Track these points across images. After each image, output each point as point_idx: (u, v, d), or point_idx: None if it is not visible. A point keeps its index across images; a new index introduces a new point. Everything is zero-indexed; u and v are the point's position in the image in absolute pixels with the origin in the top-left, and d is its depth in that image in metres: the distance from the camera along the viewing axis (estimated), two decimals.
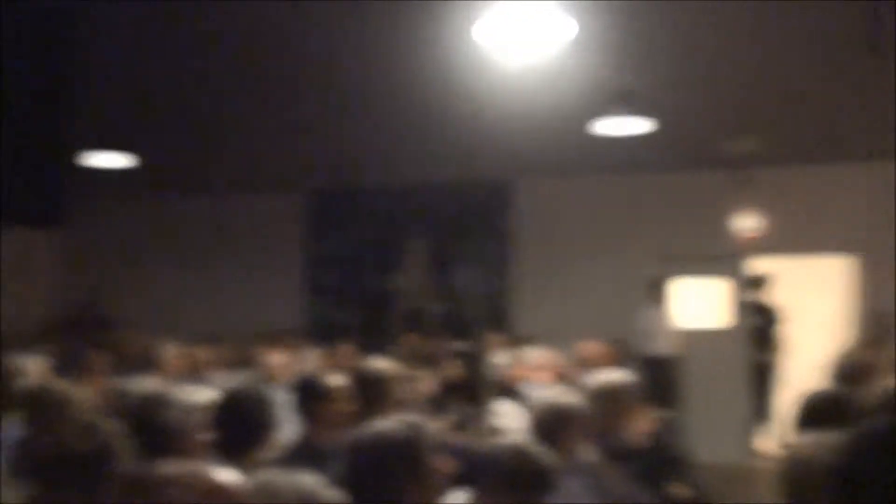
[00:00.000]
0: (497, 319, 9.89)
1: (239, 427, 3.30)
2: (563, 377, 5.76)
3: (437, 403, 5.63)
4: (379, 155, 10.14)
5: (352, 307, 10.60)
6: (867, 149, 8.98)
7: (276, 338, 7.85)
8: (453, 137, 9.55)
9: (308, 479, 2.02)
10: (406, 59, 9.41)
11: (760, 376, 9.47)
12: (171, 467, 1.75)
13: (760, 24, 9.26)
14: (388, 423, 2.51)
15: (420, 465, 2.42)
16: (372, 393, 4.10)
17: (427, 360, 6.82)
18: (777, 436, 8.39)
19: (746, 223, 9.40)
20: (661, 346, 8.94)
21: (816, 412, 2.98)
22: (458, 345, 8.37)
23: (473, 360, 7.55)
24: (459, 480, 2.85)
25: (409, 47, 9.35)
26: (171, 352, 6.30)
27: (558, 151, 9.37)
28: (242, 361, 6.99)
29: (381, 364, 4.35)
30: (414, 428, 2.48)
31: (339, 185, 10.81)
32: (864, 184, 9.05)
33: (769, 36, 9.25)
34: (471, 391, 6.63)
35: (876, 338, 8.53)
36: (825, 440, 2.25)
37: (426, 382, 5.61)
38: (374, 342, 7.34)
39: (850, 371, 4.24)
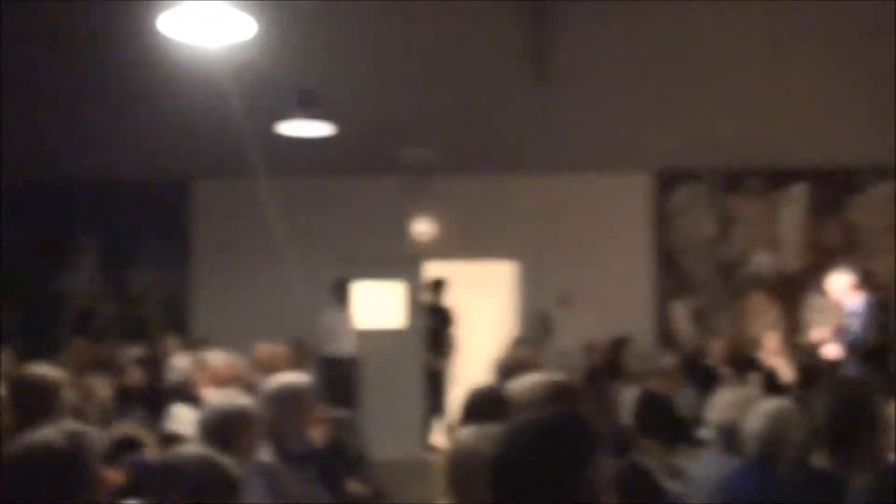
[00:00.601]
0: (175, 322, 9.59)
1: None
2: (240, 380, 5.70)
3: (114, 410, 5.40)
4: (50, 149, 9.46)
5: (15, 309, 9.79)
6: (534, 162, 9.73)
7: None
8: (132, 134, 9.13)
9: None
10: (86, 52, 8.86)
11: (435, 375, 9.92)
12: None
13: (440, 40, 9.74)
14: (46, 433, 2.36)
15: (82, 476, 2.30)
16: (34, 401, 3.84)
17: (102, 365, 6.50)
18: (448, 430, 8.83)
19: (422, 228, 9.84)
20: (342, 347, 9.11)
21: (478, 406, 3.18)
22: (135, 349, 8.03)
23: (151, 365, 7.29)
24: (136, 491, 2.75)
25: (90, 40, 8.81)
26: None
27: (240, 151, 9.24)
28: None
29: (44, 370, 4.08)
30: (76, 437, 2.35)
31: (5, 180, 9.95)
32: (527, 193, 9.79)
33: (448, 51, 9.74)
34: (149, 396, 6.41)
35: (535, 336, 9.28)
36: (484, 432, 2.42)
37: (101, 388, 5.34)
38: (40, 347, 6.86)
39: (510, 367, 4.57)
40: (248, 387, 5.00)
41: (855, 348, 7.42)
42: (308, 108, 7.48)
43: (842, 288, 7.69)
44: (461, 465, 2.39)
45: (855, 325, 7.56)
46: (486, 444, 2.28)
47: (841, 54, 9.66)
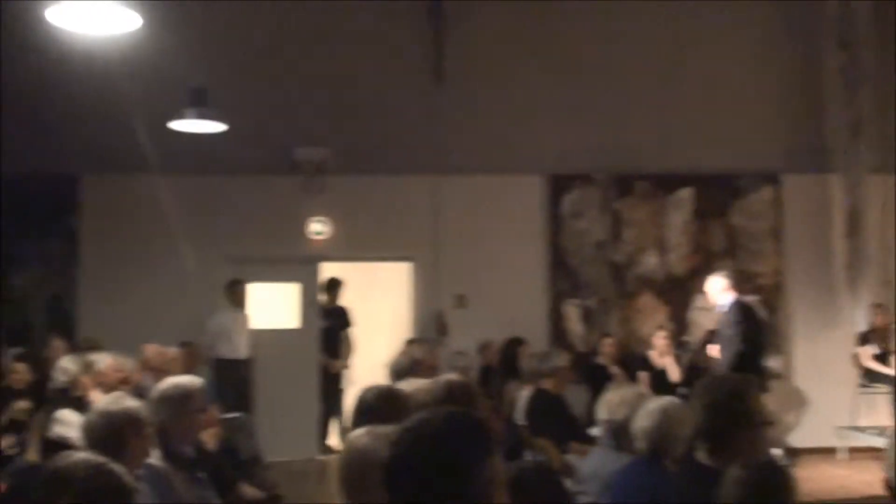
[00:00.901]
0: (61, 323, 9.27)
1: None
2: (129, 383, 5.57)
3: None
4: None
5: None
6: (430, 163, 9.77)
7: None
8: (17, 128, 8.79)
9: None
10: None
11: (331, 376, 9.85)
12: None
13: (337, 40, 9.70)
14: None
15: None
16: None
17: None
18: (344, 432, 8.80)
19: (318, 228, 9.77)
20: (236, 349, 8.98)
21: (372, 407, 3.18)
22: (19, 350, 7.77)
23: (36, 367, 7.07)
24: (18, 499, 2.65)
25: None
26: None
27: (130, 148, 9.01)
28: None
29: None
30: None
31: None
32: (423, 194, 9.82)
33: (345, 52, 9.72)
34: (34, 399, 6.21)
35: (430, 337, 9.32)
36: (377, 433, 2.42)
37: None
38: None
39: (405, 367, 4.59)
40: (138, 390, 4.90)
41: (722, 348, 7.71)
42: (199, 105, 7.36)
43: (715, 289, 7.96)
44: (354, 465, 2.38)
45: (723, 325, 7.86)
46: (379, 444, 2.29)
47: (728, 66, 10.03)
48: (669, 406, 3.68)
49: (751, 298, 9.86)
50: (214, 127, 7.74)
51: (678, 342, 9.69)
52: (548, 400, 6.22)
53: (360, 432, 2.45)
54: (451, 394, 3.34)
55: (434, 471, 1.69)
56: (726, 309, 7.78)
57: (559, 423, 6.10)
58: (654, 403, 3.73)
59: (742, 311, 7.74)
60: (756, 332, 7.81)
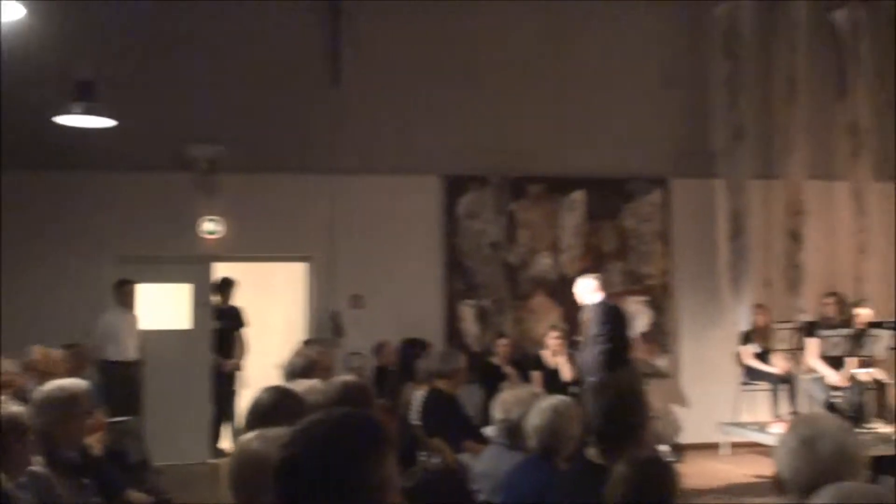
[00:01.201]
0: None
1: None
2: (12, 386, 5.36)
3: None
4: None
5: None
6: (326, 162, 9.72)
7: None
8: None
9: None
10: None
11: (224, 377, 9.69)
12: None
13: (233, 36, 9.56)
14: None
15: None
16: None
17: None
18: (236, 434, 8.67)
19: (211, 227, 9.60)
20: (125, 350, 8.75)
21: (267, 409, 3.14)
22: None
23: None
24: None
25: None
26: None
27: (17, 143, 8.70)
28: None
29: None
30: None
31: None
32: (319, 194, 9.76)
33: (241, 48, 9.58)
34: None
35: (326, 337, 9.27)
36: (266, 435, 2.40)
37: None
38: None
39: (301, 368, 4.55)
40: (20, 393, 4.73)
41: (588, 346, 7.94)
42: (87, 99, 7.15)
43: (584, 290, 8.16)
44: (243, 469, 2.35)
45: (590, 324, 8.09)
46: (270, 447, 2.27)
47: (619, 73, 10.29)
48: (560, 404, 3.76)
49: (636, 300, 10.16)
50: (102, 122, 7.52)
51: (571, 342, 9.88)
52: (442, 400, 6.25)
53: (250, 435, 2.43)
54: (347, 395, 3.34)
55: (325, 472, 1.68)
56: (593, 309, 7.97)
57: (453, 422, 6.15)
58: (545, 402, 3.80)
59: (607, 312, 7.95)
60: (621, 332, 8.03)
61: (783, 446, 2.30)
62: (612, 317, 7.93)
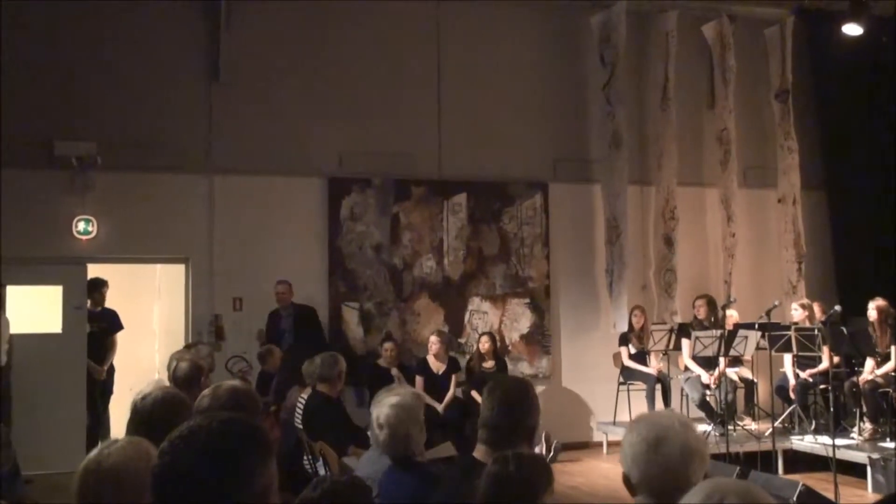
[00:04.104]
0: None
1: None
2: None
3: None
4: None
5: None
6: (206, 162, 9.53)
7: None
8: None
9: None
10: None
11: (98, 382, 9.34)
12: None
13: (109, 30, 9.31)
14: None
15: None
16: None
17: None
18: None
19: (85, 227, 9.26)
20: None
21: (150, 414, 3.06)
22: None
23: None
24: None
25: None
26: None
27: None
28: None
29: None
30: None
31: None
32: (198, 194, 9.56)
33: (117, 43, 9.33)
34: None
35: (207, 341, 9.07)
36: (115, 447, 2.35)
37: None
38: None
39: (186, 373, 4.45)
40: None
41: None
42: None
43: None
44: (88, 482, 2.29)
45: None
46: (116, 458, 2.24)
47: (501, 79, 10.47)
48: (404, 401, 3.75)
49: (518, 302, 10.32)
50: None
51: (454, 344, 9.97)
52: (324, 403, 6.22)
53: (105, 445, 2.36)
54: (235, 400, 3.28)
55: (203, 480, 1.66)
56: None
57: (337, 426, 6.13)
58: (388, 398, 3.79)
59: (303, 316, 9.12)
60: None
61: (629, 448, 2.31)
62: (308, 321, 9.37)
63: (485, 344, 9.55)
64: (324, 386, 6.25)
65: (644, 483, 2.27)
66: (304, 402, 6.48)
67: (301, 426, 6.36)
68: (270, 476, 1.73)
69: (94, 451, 2.31)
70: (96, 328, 9.32)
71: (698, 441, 2.33)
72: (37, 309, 9.19)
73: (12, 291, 8.81)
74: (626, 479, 2.32)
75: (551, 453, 8.96)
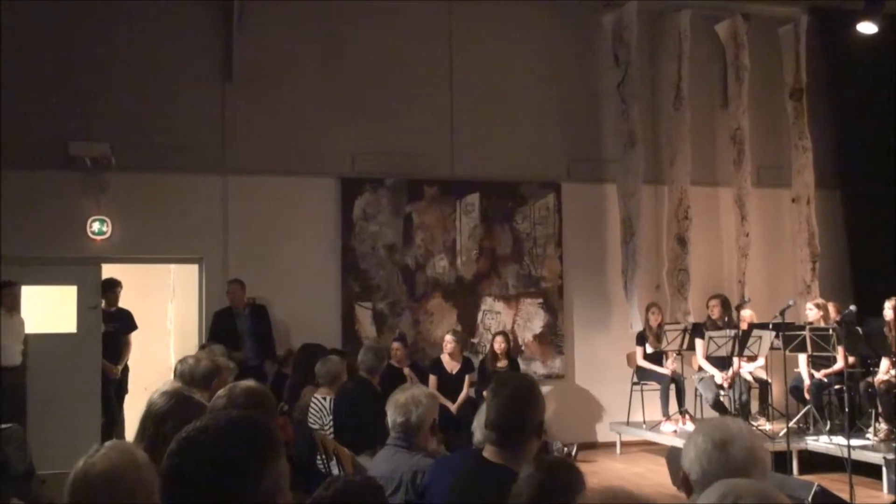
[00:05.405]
0: None
1: None
2: None
3: None
4: None
5: None
6: (219, 162, 9.56)
7: None
8: None
9: None
10: None
11: (114, 382, 9.38)
12: None
13: (123, 32, 9.35)
14: None
15: None
16: None
17: None
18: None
19: (99, 227, 9.31)
20: (7, 355, 8.39)
21: (165, 413, 3.06)
22: None
23: None
24: None
25: None
26: None
27: None
28: None
29: None
30: None
31: None
32: (212, 195, 9.59)
33: (131, 45, 9.37)
34: None
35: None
36: (118, 447, 2.36)
37: None
38: None
39: (203, 373, 4.46)
40: None
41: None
42: None
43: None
44: (77, 485, 2.30)
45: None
46: (112, 460, 2.25)
47: (515, 78, 10.46)
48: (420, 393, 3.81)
49: (530, 302, 10.30)
50: None
51: (467, 344, 9.97)
52: (343, 402, 6.23)
53: (88, 454, 2.37)
54: (251, 400, 3.28)
55: (209, 479, 1.66)
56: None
57: (353, 424, 6.13)
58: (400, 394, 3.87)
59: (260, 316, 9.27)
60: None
61: (694, 448, 2.35)
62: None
63: (500, 344, 9.53)
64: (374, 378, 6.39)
65: (703, 482, 2.28)
66: (318, 401, 6.49)
67: (316, 425, 6.35)
68: (277, 476, 1.73)
69: (80, 462, 2.32)
70: (111, 328, 9.37)
71: (764, 451, 2.39)
72: (52, 309, 9.24)
73: (27, 291, 8.86)
74: (685, 478, 2.35)
75: (569, 453, 8.98)
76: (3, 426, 6.45)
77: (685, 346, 9.73)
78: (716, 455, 2.31)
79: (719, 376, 9.19)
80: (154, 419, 3.09)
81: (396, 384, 6.00)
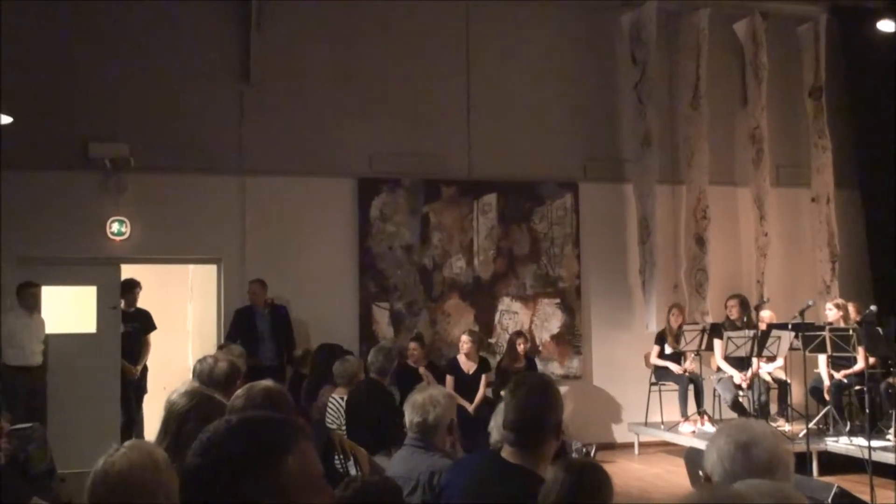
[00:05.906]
0: None
1: None
2: None
3: None
4: None
5: None
6: (238, 163, 9.59)
7: None
8: None
9: None
10: None
11: (133, 382, 9.43)
12: None
13: (139, 33, 9.39)
14: None
15: None
16: None
17: None
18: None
19: (119, 228, 9.36)
20: (28, 355, 8.45)
21: (186, 412, 3.08)
22: None
23: None
24: None
25: None
26: None
27: None
28: None
29: None
30: None
31: None
32: (230, 195, 9.63)
33: (148, 45, 9.42)
34: None
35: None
36: (135, 446, 2.39)
37: None
38: None
39: (223, 373, 4.47)
40: None
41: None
42: None
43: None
44: (97, 485, 2.32)
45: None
46: (131, 461, 2.26)
47: (531, 78, 10.45)
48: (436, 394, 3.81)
49: (548, 302, 10.28)
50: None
51: (485, 344, 9.96)
52: (358, 403, 6.25)
53: (108, 453, 2.39)
54: (269, 400, 3.29)
55: (222, 477, 1.67)
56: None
57: (369, 425, 6.14)
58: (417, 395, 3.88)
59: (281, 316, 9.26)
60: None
61: (717, 449, 2.35)
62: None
63: (521, 344, 9.51)
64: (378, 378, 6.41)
65: (726, 483, 2.28)
66: (335, 401, 6.50)
67: (333, 425, 6.37)
68: (290, 474, 1.72)
69: (100, 461, 2.34)
70: (130, 328, 9.42)
71: (788, 454, 2.38)
72: (71, 309, 9.30)
73: (48, 292, 8.92)
74: (707, 479, 2.34)
75: (587, 453, 8.96)
76: (25, 425, 6.49)
77: (703, 347, 9.68)
78: (738, 456, 2.31)
79: (738, 377, 9.15)
80: (177, 418, 3.11)
81: (413, 384, 6.03)
